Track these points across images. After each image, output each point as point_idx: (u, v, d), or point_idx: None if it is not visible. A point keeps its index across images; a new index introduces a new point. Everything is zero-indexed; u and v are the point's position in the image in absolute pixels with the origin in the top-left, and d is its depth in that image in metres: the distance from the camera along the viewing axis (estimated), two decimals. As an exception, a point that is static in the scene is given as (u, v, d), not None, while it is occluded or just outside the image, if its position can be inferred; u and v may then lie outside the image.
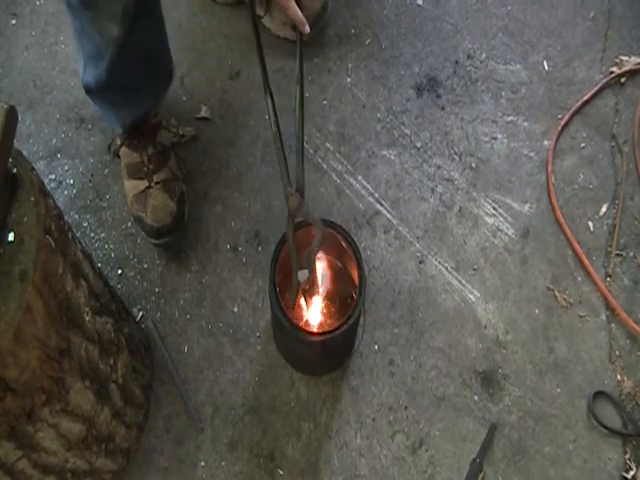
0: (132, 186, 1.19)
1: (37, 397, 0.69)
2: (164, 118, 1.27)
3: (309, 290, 0.99)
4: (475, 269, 1.24)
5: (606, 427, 1.11)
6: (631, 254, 1.25)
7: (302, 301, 1.03)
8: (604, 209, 1.29)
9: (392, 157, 1.33)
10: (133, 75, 1.06)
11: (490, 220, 1.28)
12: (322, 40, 1.43)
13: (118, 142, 1.22)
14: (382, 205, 1.28)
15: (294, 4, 0.89)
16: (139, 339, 1.09)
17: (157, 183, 1.18)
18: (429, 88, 1.40)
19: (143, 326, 1.16)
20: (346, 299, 1.11)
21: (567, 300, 1.21)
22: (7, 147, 0.65)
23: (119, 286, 1.20)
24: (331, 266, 1.10)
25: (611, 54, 1.44)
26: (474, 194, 1.30)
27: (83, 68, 1.05)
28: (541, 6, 1.50)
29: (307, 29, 0.91)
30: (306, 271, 0.93)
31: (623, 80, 1.41)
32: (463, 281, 1.22)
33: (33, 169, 0.70)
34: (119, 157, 1.23)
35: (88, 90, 1.09)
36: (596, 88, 1.39)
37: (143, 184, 1.18)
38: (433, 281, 1.22)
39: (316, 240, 0.90)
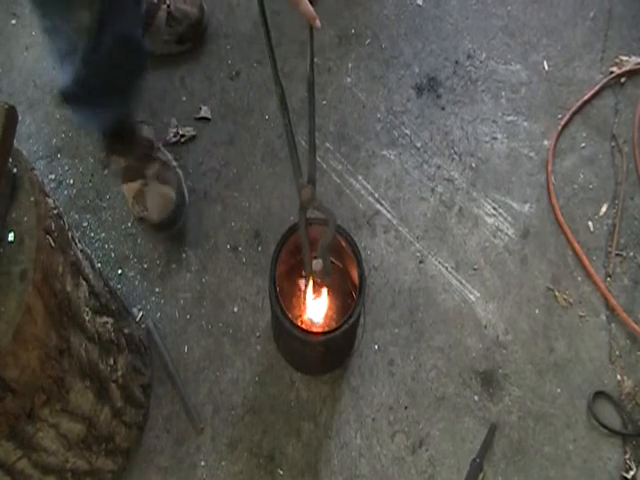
0: (129, 188, 1.19)
1: (37, 397, 0.69)
2: (141, 115, 1.26)
3: (322, 280, 0.98)
4: (475, 269, 1.24)
5: (606, 427, 1.11)
6: (631, 254, 1.25)
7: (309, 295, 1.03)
8: (604, 209, 1.29)
9: (392, 157, 1.33)
10: (109, 66, 1.02)
11: (490, 220, 1.28)
12: (321, 40, 1.43)
13: (104, 152, 1.22)
14: (382, 205, 1.28)
15: (306, 0, 0.88)
16: (139, 339, 1.09)
17: (151, 177, 1.18)
18: (429, 88, 1.40)
19: (143, 326, 1.16)
20: (346, 299, 1.11)
21: (567, 300, 1.21)
22: (7, 147, 0.65)
23: (119, 286, 1.20)
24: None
25: (611, 54, 1.44)
26: (474, 194, 1.30)
27: (61, 68, 1.02)
28: (541, 6, 1.50)
29: (318, 24, 0.90)
30: (320, 260, 0.91)
31: (623, 80, 1.41)
32: (463, 281, 1.22)
33: (33, 169, 0.70)
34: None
35: (66, 94, 1.07)
36: (596, 88, 1.39)
37: (139, 183, 1.18)
38: (433, 281, 1.22)
39: (329, 230, 0.90)
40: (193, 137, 1.32)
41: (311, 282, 0.96)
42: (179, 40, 1.37)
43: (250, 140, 1.33)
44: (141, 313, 1.18)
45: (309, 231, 0.93)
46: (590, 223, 1.28)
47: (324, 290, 1.03)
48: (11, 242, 0.64)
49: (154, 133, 1.25)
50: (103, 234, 1.24)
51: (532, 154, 1.34)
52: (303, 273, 0.96)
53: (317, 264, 0.91)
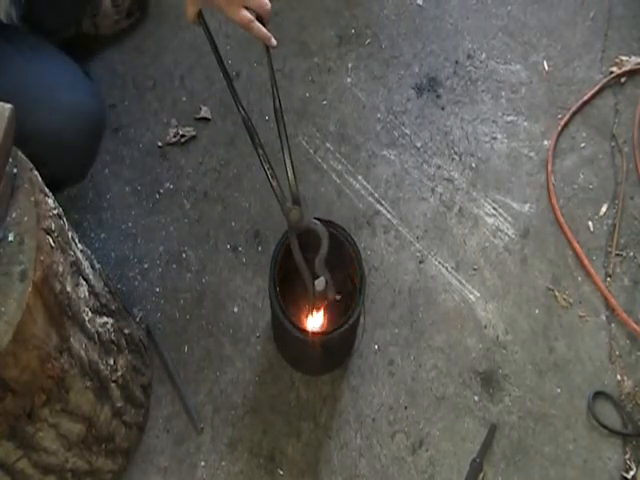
0: None
1: (37, 397, 0.69)
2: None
3: (326, 297, 0.96)
4: (475, 269, 1.24)
5: (606, 427, 1.11)
6: (631, 254, 1.25)
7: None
8: (604, 209, 1.29)
9: (392, 157, 1.33)
10: None
11: (490, 220, 1.28)
12: (321, 40, 1.43)
13: None
14: (382, 205, 1.28)
15: (257, 23, 0.88)
16: (139, 339, 1.09)
17: None
18: (429, 88, 1.40)
19: (143, 326, 1.16)
20: (346, 299, 1.10)
21: (567, 300, 1.21)
22: (8, 148, 0.65)
23: (119, 286, 1.20)
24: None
25: (611, 54, 1.44)
26: (474, 194, 1.30)
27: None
28: (541, 6, 1.50)
29: (274, 42, 0.90)
30: (323, 279, 0.89)
31: (623, 80, 1.41)
32: (463, 281, 1.22)
33: (33, 169, 0.70)
34: None
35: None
36: (596, 88, 1.39)
37: None
38: (433, 281, 1.22)
39: (323, 246, 0.89)
40: (193, 137, 1.32)
41: (313, 301, 0.95)
42: (128, 14, 1.41)
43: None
44: (141, 313, 1.18)
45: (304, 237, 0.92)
46: (590, 223, 1.28)
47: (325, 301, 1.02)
48: (11, 242, 0.64)
49: None
50: (103, 234, 1.24)
51: (532, 154, 1.34)
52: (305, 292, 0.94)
53: (320, 283, 0.90)
